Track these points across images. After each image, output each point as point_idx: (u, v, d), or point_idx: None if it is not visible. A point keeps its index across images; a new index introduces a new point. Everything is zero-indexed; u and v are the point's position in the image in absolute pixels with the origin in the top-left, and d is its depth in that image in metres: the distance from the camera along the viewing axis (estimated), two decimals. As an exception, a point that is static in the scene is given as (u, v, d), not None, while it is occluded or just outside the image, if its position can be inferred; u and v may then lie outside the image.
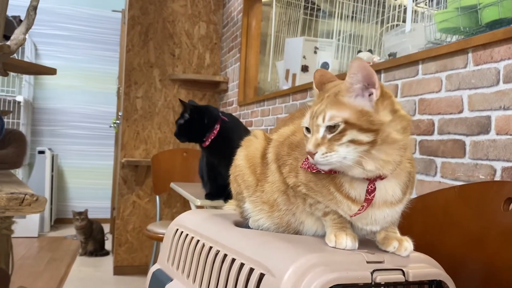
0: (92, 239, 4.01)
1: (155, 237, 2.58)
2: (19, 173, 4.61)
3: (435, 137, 1.38)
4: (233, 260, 0.79)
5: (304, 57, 2.49)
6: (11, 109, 4.55)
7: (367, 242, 0.83)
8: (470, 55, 1.28)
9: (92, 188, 5.28)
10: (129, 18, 3.53)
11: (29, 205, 1.50)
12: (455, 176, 1.30)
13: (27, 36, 4.37)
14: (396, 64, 1.56)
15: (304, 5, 3.14)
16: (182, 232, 1.03)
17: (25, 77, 4.58)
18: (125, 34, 3.63)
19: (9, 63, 2.37)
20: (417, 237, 1.01)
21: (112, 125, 4.66)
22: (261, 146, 0.94)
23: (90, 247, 4.00)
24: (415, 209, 1.10)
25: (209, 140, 1.81)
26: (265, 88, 3.26)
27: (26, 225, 4.43)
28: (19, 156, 2.20)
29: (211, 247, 0.88)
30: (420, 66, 1.47)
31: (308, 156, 0.74)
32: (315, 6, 3.09)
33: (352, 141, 0.71)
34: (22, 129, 4.61)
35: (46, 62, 5.09)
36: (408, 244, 0.78)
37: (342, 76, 1.82)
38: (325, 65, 2.42)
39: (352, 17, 2.68)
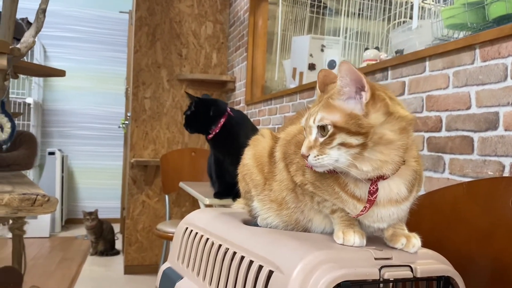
0: (103, 239, 4.05)
1: (164, 236, 2.60)
2: (30, 174, 4.66)
3: (443, 133, 1.38)
4: (242, 257, 0.80)
5: (311, 55, 2.49)
6: (21, 111, 4.60)
7: (375, 239, 0.84)
8: (477, 51, 1.28)
9: (101, 188, 5.32)
10: (136, 19, 3.56)
11: (41, 206, 1.53)
12: (463, 173, 1.30)
13: (36, 39, 4.39)
14: (403, 61, 1.56)
15: (311, 3, 3.14)
16: (191, 230, 1.04)
17: (35, 79, 4.63)
18: (133, 35, 3.66)
19: (19, 65, 2.40)
20: (425, 234, 1.02)
21: (121, 126, 4.69)
22: (268, 145, 0.95)
23: (100, 247, 4.03)
24: (424, 206, 1.10)
25: (213, 133, 1.83)
26: (272, 87, 3.26)
27: (38, 226, 4.48)
28: (30, 158, 2.22)
29: (220, 245, 0.89)
30: (427, 63, 1.46)
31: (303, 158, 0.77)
32: (322, 4, 3.09)
33: (342, 144, 0.73)
34: (32, 130, 4.65)
35: (55, 64, 5.14)
36: (416, 240, 0.78)
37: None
38: (332, 63, 2.42)
39: (359, 14, 2.68)
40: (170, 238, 2.56)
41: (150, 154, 3.54)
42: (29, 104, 4.60)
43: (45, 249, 4.19)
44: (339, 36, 2.62)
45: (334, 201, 0.79)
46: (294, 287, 0.66)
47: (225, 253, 0.86)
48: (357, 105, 0.74)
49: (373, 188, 0.76)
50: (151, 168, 3.49)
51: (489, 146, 1.21)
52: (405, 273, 0.72)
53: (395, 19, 2.22)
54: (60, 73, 2.48)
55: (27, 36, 1.76)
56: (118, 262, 3.86)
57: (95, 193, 5.31)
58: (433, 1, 1.75)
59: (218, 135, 1.84)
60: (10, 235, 4.38)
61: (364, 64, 1.93)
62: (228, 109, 1.90)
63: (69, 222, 5.20)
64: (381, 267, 0.70)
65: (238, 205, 1.17)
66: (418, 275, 0.73)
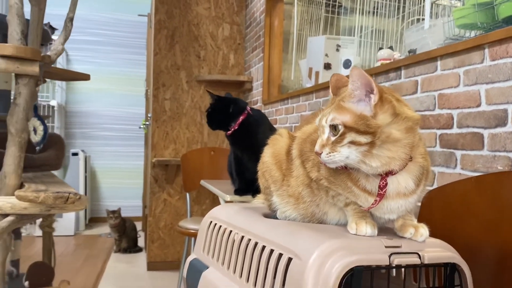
0: (126, 237, 4.17)
1: (186, 233, 2.69)
2: (54, 174, 4.81)
3: (455, 130, 1.43)
4: (263, 247, 0.88)
5: (326, 55, 2.55)
6: (45, 114, 4.76)
7: (387, 230, 0.90)
8: (486, 50, 1.32)
9: (124, 187, 5.46)
10: (155, 23, 3.66)
11: (73, 203, 1.63)
12: (474, 168, 1.35)
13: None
14: (415, 60, 1.61)
15: (326, 3, 3.19)
16: (215, 224, 1.12)
17: (58, 82, 4.78)
18: (152, 38, 3.76)
19: (46, 70, 2.51)
20: (437, 225, 1.08)
21: (141, 127, 4.82)
22: (285, 143, 1.02)
23: (124, 244, 4.15)
24: (436, 199, 1.16)
25: (232, 130, 1.92)
26: (289, 86, 3.33)
27: (63, 224, 4.64)
28: (59, 158, 2.34)
29: (243, 237, 0.96)
30: (438, 62, 1.51)
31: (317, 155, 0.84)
32: (337, 3, 3.14)
33: (353, 142, 0.80)
34: (56, 132, 4.81)
35: (76, 67, 5.29)
36: (424, 230, 0.84)
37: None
38: (347, 62, 2.48)
39: (374, 12, 2.72)
40: (191, 235, 2.65)
41: (170, 154, 3.65)
42: (53, 107, 4.76)
43: (71, 247, 4.33)
44: (354, 35, 2.67)
45: (347, 195, 0.86)
46: (311, 272, 0.73)
47: (247, 243, 0.93)
48: (366, 107, 0.81)
49: (383, 182, 0.82)
50: (172, 167, 3.59)
51: (498, 142, 1.26)
52: (414, 260, 0.78)
53: (410, 17, 2.26)
54: (84, 77, 2.59)
55: (56, 44, 1.86)
56: (141, 258, 3.97)
57: (117, 192, 5.45)
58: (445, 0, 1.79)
59: (237, 132, 1.92)
60: (37, 233, 4.54)
61: (378, 64, 1.98)
62: (248, 108, 1.98)
63: (93, 220, 5.35)
64: (391, 254, 0.76)
65: (258, 201, 1.24)
66: (426, 262, 0.79)
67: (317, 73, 2.61)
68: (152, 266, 3.61)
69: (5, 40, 3.19)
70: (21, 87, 1.72)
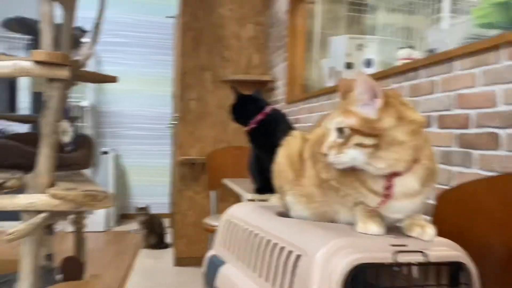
0: (154, 233, 4.28)
1: (211, 230, 2.75)
2: (86, 171, 4.98)
3: (472, 130, 1.44)
4: (275, 244, 0.92)
5: (348, 54, 2.56)
6: (77, 114, 4.92)
7: (395, 229, 0.93)
8: (503, 50, 1.32)
9: (152, 185, 5.60)
10: (181, 25, 3.74)
11: (101, 201, 1.71)
12: (490, 168, 1.35)
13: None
14: (433, 60, 1.62)
15: (349, 1, 3.20)
16: (233, 221, 1.17)
17: (88, 83, 4.93)
18: (178, 39, 3.85)
19: (77, 74, 2.62)
20: (450, 224, 1.10)
21: (168, 126, 4.93)
22: (298, 145, 1.06)
23: (152, 240, 4.27)
24: (449, 199, 1.18)
25: (251, 127, 1.98)
26: (313, 86, 3.35)
27: (94, 221, 4.79)
28: (89, 158, 2.43)
29: (257, 234, 1.01)
30: (456, 62, 1.52)
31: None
32: (361, 1, 3.14)
33: (358, 144, 0.84)
34: (87, 131, 4.97)
35: (107, 68, 5.45)
36: (430, 230, 0.87)
37: (384, 73, 1.89)
38: (369, 62, 2.49)
39: (398, 10, 2.72)
40: (215, 231, 2.71)
41: (196, 152, 3.73)
42: (84, 107, 4.92)
43: (101, 243, 4.48)
44: (377, 33, 2.67)
45: (355, 195, 0.89)
46: (317, 268, 0.77)
47: (261, 241, 0.98)
48: (371, 111, 0.85)
49: (388, 184, 0.86)
50: (197, 166, 3.67)
51: (514, 142, 1.26)
52: (418, 258, 0.81)
53: (435, 14, 2.25)
54: (112, 79, 2.68)
55: (85, 49, 1.95)
56: (168, 255, 4.07)
57: (146, 190, 5.59)
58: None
59: (256, 130, 1.99)
60: (70, 229, 4.71)
61: (398, 63, 1.99)
62: (268, 107, 2.03)
63: (123, 217, 5.51)
64: (395, 252, 0.80)
65: (275, 199, 1.29)
66: (431, 260, 0.82)
67: (338, 73, 2.63)
68: (179, 261, 3.71)
69: (35, 43, 3.33)
70: (53, 90, 1.81)
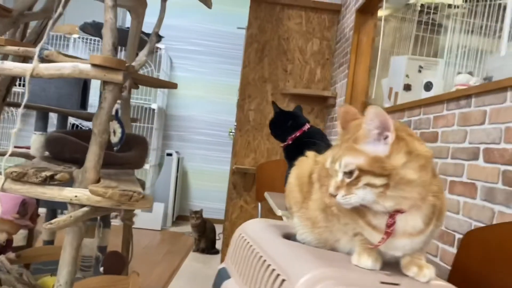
0: (205, 237, 4.37)
1: (252, 241, 2.75)
2: (150, 172, 5.21)
3: (518, 167, 1.32)
4: (268, 265, 0.91)
5: (407, 75, 2.46)
6: (146, 116, 5.18)
7: (396, 266, 0.88)
8: (559, 83, 1.21)
9: (210, 190, 5.72)
10: (247, 36, 3.81)
11: (137, 201, 1.78)
12: (534, 211, 1.23)
13: (163, 52, 4.89)
14: (485, 89, 1.51)
15: (418, 20, 3.07)
16: (243, 237, 1.17)
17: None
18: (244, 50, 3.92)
19: (140, 78, 2.77)
20: (474, 267, 1.02)
21: (230, 133, 5.02)
22: (310, 166, 1.04)
23: (202, 245, 4.35)
24: (475, 240, 1.09)
25: (287, 143, 1.97)
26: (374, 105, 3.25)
27: (152, 219, 4.99)
28: (141, 158, 2.55)
29: (257, 253, 1.00)
30: (508, 93, 1.40)
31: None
32: (430, 20, 3.00)
33: (368, 184, 0.79)
34: (154, 133, 5.21)
35: (179, 74, 5.69)
36: (428, 271, 0.81)
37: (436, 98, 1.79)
38: (428, 85, 2.37)
39: (471, 32, 2.56)
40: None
41: (250, 162, 3.76)
42: (153, 110, 5.16)
43: (155, 241, 4.65)
44: (443, 56, 2.54)
45: (354, 226, 0.85)
46: (295, 296, 0.74)
47: (258, 260, 0.97)
48: (380, 147, 0.80)
49: (391, 221, 0.81)
50: (250, 176, 3.70)
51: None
52: (408, 300, 0.76)
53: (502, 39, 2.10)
54: (172, 85, 2.79)
55: (140, 56, 2.05)
56: (216, 260, 4.13)
57: (204, 194, 5.73)
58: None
59: (290, 146, 1.97)
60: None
61: (454, 89, 1.88)
62: (307, 125, 2.01)
63: (180, 218, 5.68)
64: (382, 291, 0.75)
65: (289, 220, 1.27)
66: (422, 304, 0.76)
67: (396, 94, 2.53)
68: (224, 269, 3.74)
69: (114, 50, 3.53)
70: (107, 92, 1.92)
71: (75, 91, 3.21)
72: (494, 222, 1.39)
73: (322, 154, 1.02)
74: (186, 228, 5.30)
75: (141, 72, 5.15)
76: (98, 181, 1.93)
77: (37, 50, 1.91)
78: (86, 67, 1.86)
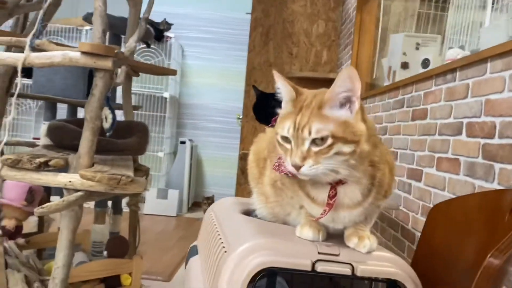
0: (217, 223, 4.41)
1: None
2: (165, 159, 5.29)
3: (496, 141, 1.28)
4: (220, 239, 0.92)
5: (404, 53, 2.41)
6: (159, 104, 5.25)
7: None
8: (533, 51, 1.16)
9: (224, 176, 5.77)
10: (252, 21, 3.80)
11: (125, 185, 1.82)
12: (510, 183, 1.20)
13: (174, 40, 4.87)
14: (467, 62, 1.47)
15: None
16: (210, 215, 1.18)
17: (171, 76, 5.21)
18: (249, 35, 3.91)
19: (139, 66, 2.80)
20: (439, 240, 1.01)
21: (237, 120, 5.03)
22: (267, 141, 1.04)
23: (214, 230, 4.40)
24: (441, 213, 1.08)
25: (271, 125, 1.96)
26: (378, 86, 3.20)
27: (167, 206, 5.07)
28: (141, 145, 2.58)
29: (215, 228, 1.01)
30: (488, 64, 1.36)
31: (291, 168, 0.76)
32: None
33: (338, 153, 0.75)
34: (167, 122, 5.27)
35: (190, 62, 5.72)
36: (368, 241, 0.80)
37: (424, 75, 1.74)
38: (425, 62, 2.32)
39: (472, 6, 2.48)
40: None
41: (256, 148, 3.77)
42: (165, 98, 5.21)
43: (170, 227, 4.73)
44: (446, 32, 2.47)
45: (297, 199, 0.85)
46: (229, 265, 0.75)
47: (214, 235, 0.98)
48: (347, 112, 0.78)
49: (333, 192, 0.79)
50: (257, 161, 3.71)
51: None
52: (342, 270, 0.76)
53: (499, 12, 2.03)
54: (171, 72, 2.81)
55: (130, 42, 2.07)
56: (228, 245, 4.17)
57: (218, 180, 5.78)
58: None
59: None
60: (144, 211, 5.03)
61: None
62: None
63: (196, 205, 5.75)
64: (316, 261, 0.75)
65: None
66: (358, 274, 0.76)
67: (394, 73, 2.49)
68: (234, 253, 3.78)
69: (117, 39, 3.58)
70: (97, 79, 1.95)
71: (81, 81, 3.27)
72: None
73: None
74: (202, 214, 5.37)
75: (151, 61, 5.19)
76: (92, 166, 1.98)
77: (28, 40, 1.95)
78: (75, 54, 1.89)
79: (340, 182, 0.79)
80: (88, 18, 3.59)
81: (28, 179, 1.89)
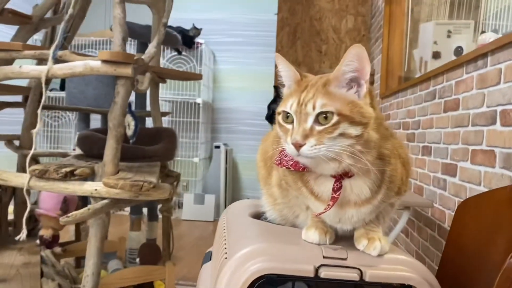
0: (254, 227, 4.37)
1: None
2: (200, 165, 5.31)
3: (533, 128, 1.17)
4: (224, 244, 0.87)
5: (435, 42, 2.29)
6: (192, 110, 5.28)
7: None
8: None
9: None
10: (278, 21, 3.74)
11: (148, 191, 1.81)
12: (549, 175, 1.08)
13: (204, 46, 4.90)
14: (498, 45, 1.35)
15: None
16: (223, 219, 1.14)
17: (203, 81, 5.24)
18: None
19: (165, 72, 2.81)
20: (469, 238, 0.93)
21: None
22: (272, 137, 0.98)
23: (251, 234, 4.36)
24: (470, 210, 0.99)
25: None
26: (410, 78, 3.07)
27: (205, 211, 5.08)
28: (168, 150, 2.58)
29: (224, 233, 0.97)
30: (520, 46, 1.25)
31: (291, 147, 0.70)
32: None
33: (343, 134, 0.68)
34: (201, 127, 5.29)
35: (222, 67, 5.73)
36: (379, 243, 0.73)
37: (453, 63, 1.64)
38: (459, 50, 2.19)
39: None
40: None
41: (289, 149, 3.70)
42: (198, 104, 5.24)
43: (207, 232, 4.73)
44: (480, 17, 2.33)
45: (299, 197, 0.79)
46: (226, 272, 0.71)
47: (222, 240, 0.93)
48: (354, 96, 0.72)
49: (337, 185, 0.73)
50: (289, 162, 3.64)
51: None
52: (350, 275, 0.69)
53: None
54: (197, 76, 2.81)
55: (150, 47, 2.07)
56: (265, 249, 4.12)
57: (254, 183, 5.73)
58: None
59: None
60: (184, 217, 5.07)
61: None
62: None
63: (233, 209, 5.74)
64: (319, 266, 0.69)
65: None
66: (367, 279, 0.69)
67: (425, 64, 2.36)
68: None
69: (144, 48, 3.62)
70: (119, 87, 1.96)
71: (112, 90, 3.32)
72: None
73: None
74: (239, 218, 5.35)
75: (182, 68, 5.23)
76: (117, 173, 1.98)
77: (51, 51, 1.99)
78: (96, 63, 1.91)
79: (346, 175, 0.72)
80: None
81: (55, 189, 1.92)
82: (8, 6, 2.21)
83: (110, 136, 1.94)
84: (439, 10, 2.87)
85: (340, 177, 0.73)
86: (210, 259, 1.12)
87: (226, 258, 0.76)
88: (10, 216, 2.54)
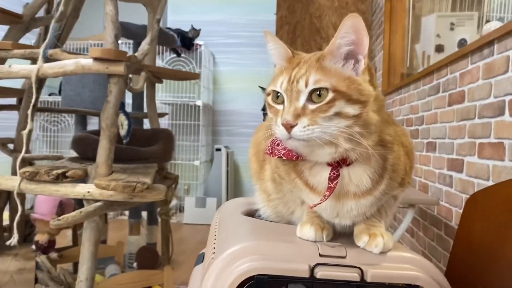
0: (256, 229, 4.29)
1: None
2: (201, 168, 5.24)
3: (545, 116, 1.10)
4: (214, 244, 0.80)
5: (438, 35, 2.22)
6: (192, 113, 5.21)
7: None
8: None
9: (262, 182, 5.65)
10: (277, 19, 3.68)
11: (142, 192, 1.74)
12: None
13: (203, 48, 4.84)
14: (505, 31, 1.28)
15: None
16: (216, 218, 1.07)
17: (203, 83, 5.18)
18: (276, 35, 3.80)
19: (161, 72, 2.75)
20: (477, 234, 0.86)
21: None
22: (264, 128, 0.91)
23: (253, 237, 4.29)
24: (478, 204, 0.92)
25: None
26: (411, 75, 3.00)
27: (206, 214, 5.01)
28: (165, 152, 2.52)
29: (215, 233, 0.90)
30: (529, 30, 1.18)
31: (281, 129, 0.63)
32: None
33: (339, 114, 0.61)
34: (201, 129, 5.22)
35: (222, 69, 5.67)
36: (381, 239, 0.66)
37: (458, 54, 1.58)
38: (462, 42, 2.12)
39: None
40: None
41: (290, 149, 3.63)
42: (198, 106, 5.18)
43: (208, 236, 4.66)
44: (483, 9, 2.26)
45: (294, 190, 0.72)
46: (211, 274, 0.64)
47: (212, 240, 0.87)
48: (350, 71, 0.65)
49: (334, 173, 0.66)
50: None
51: None
52: (349, 275, 0.62)
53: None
54: (194, 76, 2.75)
55: (143, 44, 2.01)
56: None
57: (256, 187, 5.68)
58: None
59: None
60: (185, 220, 4.99)
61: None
62: None
63: (236, 212, 5.67)
64: (315, 265, 0.62)
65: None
66: (368, 279, 0.62)
67: (428, 58, 2.29)
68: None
69: (139, 47, 3.55)
70: (111, 85, 1.90)
71: (103, 90, 3.27)
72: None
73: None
74: (241, 221, 5.27)
75: (182, 69, 5.18)
76: (110, 175, 1.92)
77: (41, 50, 1.93)
78: (87, 61, 1.85)
79: (344, 162, 0.65)
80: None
81: (47, 191, 1.85)
82: (-2, 5, 2.15)
83: (103, 136, 1.88)
84: (441, 3, 2.80)
85: (338, 165, 0.65)
86: (203, 261, 1.05)
87: (213, 258, 0.69)
88: (6, 222, 2.47)
